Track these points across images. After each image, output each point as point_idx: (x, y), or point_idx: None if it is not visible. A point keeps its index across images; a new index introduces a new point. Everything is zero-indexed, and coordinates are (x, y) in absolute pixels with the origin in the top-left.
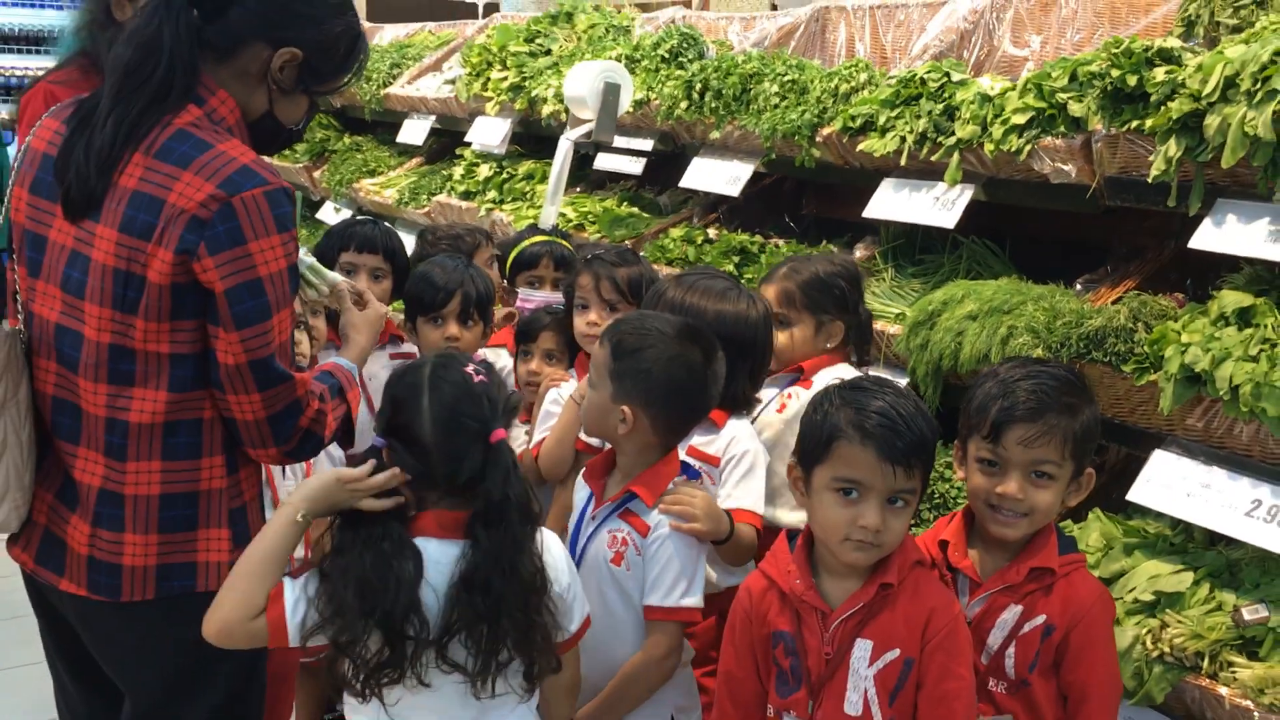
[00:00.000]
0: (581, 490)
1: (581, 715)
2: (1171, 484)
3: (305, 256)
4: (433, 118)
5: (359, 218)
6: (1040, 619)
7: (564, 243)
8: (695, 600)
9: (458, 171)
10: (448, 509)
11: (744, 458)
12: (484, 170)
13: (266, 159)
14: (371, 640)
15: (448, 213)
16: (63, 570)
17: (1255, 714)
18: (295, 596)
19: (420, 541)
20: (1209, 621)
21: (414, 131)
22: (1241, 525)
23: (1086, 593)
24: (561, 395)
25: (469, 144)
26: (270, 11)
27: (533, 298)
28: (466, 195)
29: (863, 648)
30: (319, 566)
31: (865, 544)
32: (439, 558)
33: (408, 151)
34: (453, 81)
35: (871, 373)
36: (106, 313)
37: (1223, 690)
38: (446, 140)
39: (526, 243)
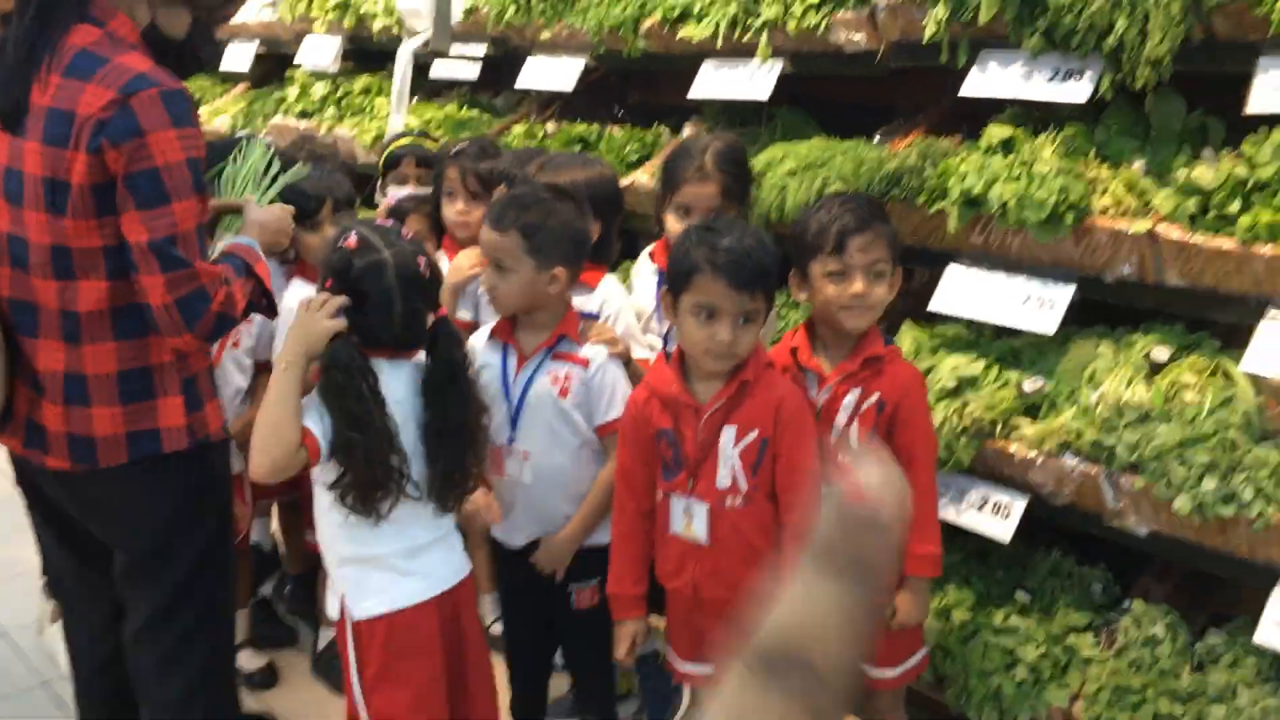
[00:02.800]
0: (493, 351)
1: (575, 524)
2: (963, 292)
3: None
4: (256, 41)
5: (239, 134)
6: (875, 396)
7: (426, 141)
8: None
9: (292, 92)
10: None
11: (618, 316)
12: (319, 89)
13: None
14: (365, 471)
15: (286, 134)
16: (47, 449)
17: (1038, 460)
18: (318, 424)
19: (378, 364)
20: (999, 395)
21: (238, 57)
22: (1018, 316)
23: (907, 373)
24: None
25: (298, 65)
26: None
27: (400, 194)
28: (304, 115)
29: (728, 433)
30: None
31: (721, 354)
32: (400, 375)
33: (232, 78)
34: (274, 4)
35: None
36: (42, 217)
37: (1013, 447)
38: (272, 64)
39: (393, 145)
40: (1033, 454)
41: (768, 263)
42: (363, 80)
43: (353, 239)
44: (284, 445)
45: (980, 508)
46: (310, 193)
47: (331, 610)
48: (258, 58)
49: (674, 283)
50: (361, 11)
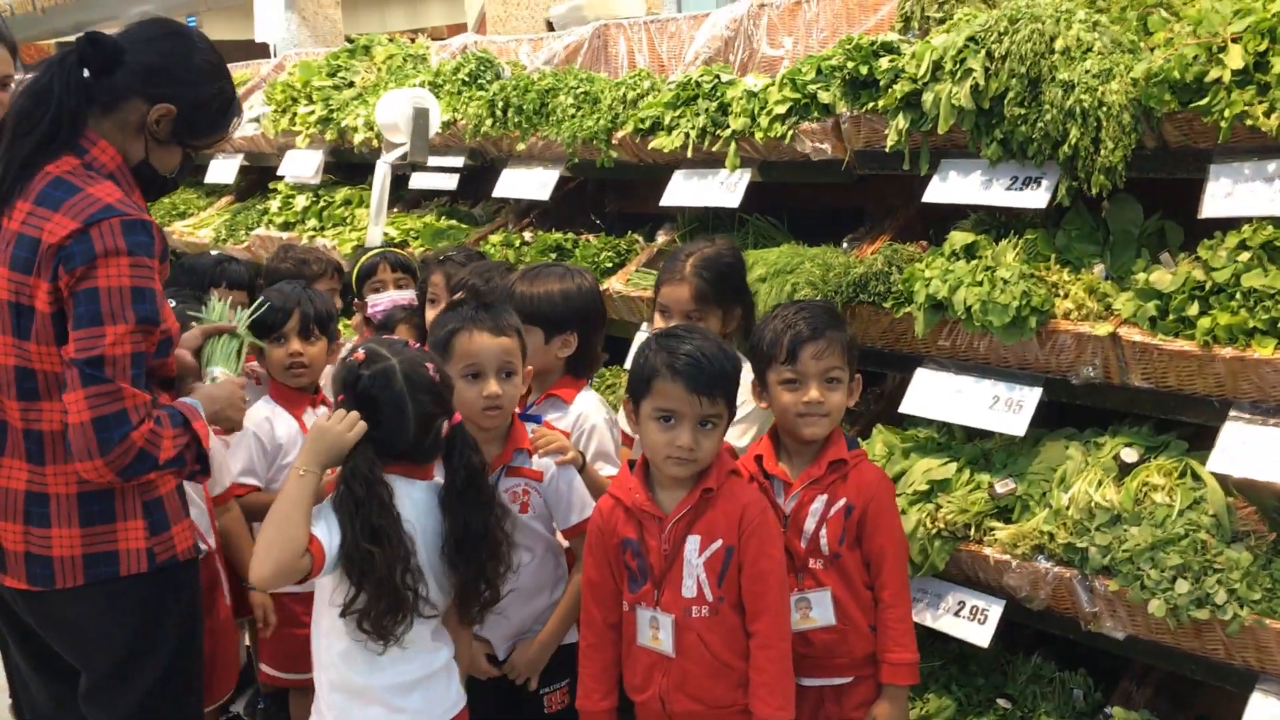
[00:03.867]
0: None
1: (551, 627)
2: (932, 395)
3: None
4: (240, 156)
5: (218, 254)
6: (842, 501)
7: (397, 250)
8: (591, 508)
9: (273, 204)
10: (408, 464)
11: (591, 432)
12: (301, 200)
13: (134, 203)
14: (380, 588)
15: (268, 245)
16: (5, 569)
17: (1013, 564)
18: (324, 533)
19: (396, 481)
20: (971, 498)
21: (222, 170)
22: (986, 417)
23: (872, 476)
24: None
25: (281, 177)
26: (149, 73)
27: (380, 301)
28: (286, 226)
29: (693, 542)
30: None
31: (683, 460)
32: (415, 494)
33: (216, 191)
34: (257, 119)
35: None
36: (8, 340)
37: (987, 550)
38: (254, 177)
39: (366, 256)
40: (1007, 557)
41: (728, 368)
42: (343, 192)
43: (360, 353)
44: (290, 550)
45: (957, 612)
46: (276, 304)
47: None
48: (242, 170)
49: (634, 389)
50: (343, 125)
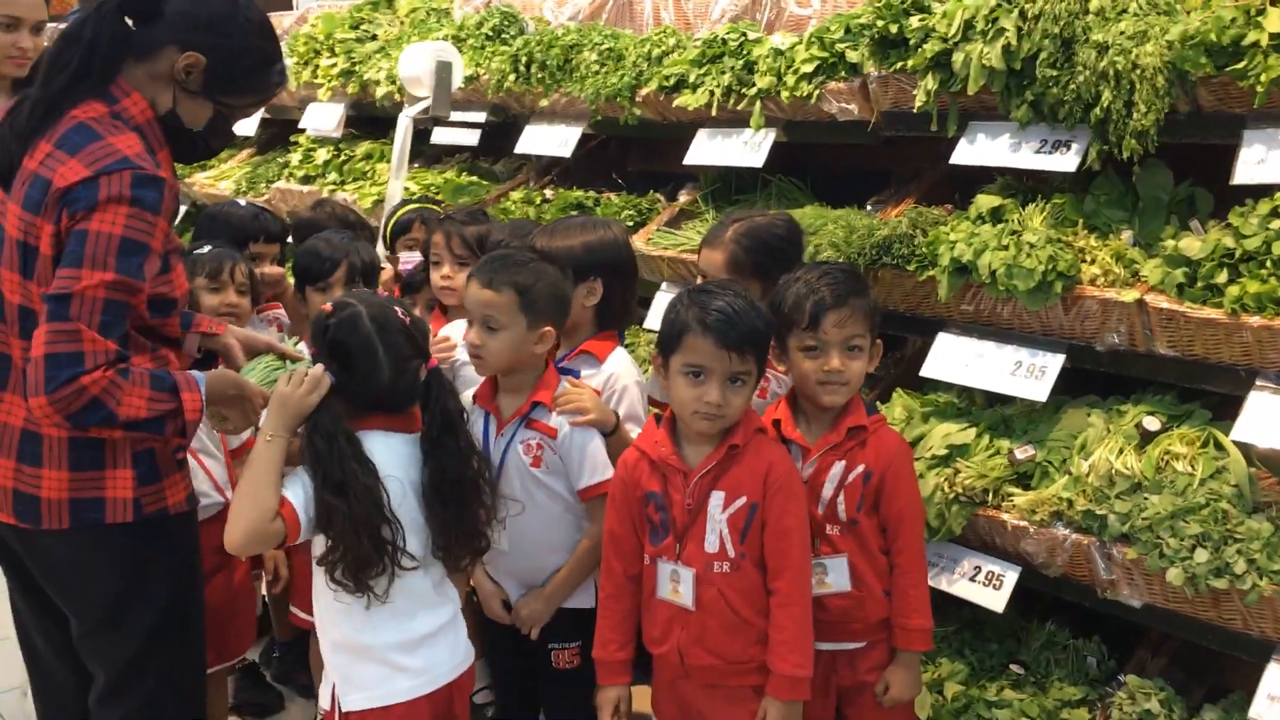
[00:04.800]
0: (475, 416)
1: (556, 582)
2: (953, 359)
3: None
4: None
5: (246, 205)
6: (860, 468)
7: (432, 207)
8: (609, 472)
9: (295, 157)
10: (388, 414)
11: (623, 394)
12: (322, 154)
13: (152, 160)
14: (348, 541)
15: (289, 198)
16: None
17: (1030, 529)
18: (299, 496)
19: (378, 435)
20: (990, 464)
21: (243, 123)
22: (1008, 383)
23: (891, 441)
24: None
25: (302, 130)
26: (186, 21)
27: (411, 259)
28: (306, 179)
29: (717, 498)
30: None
31: (711, 416)
32: (396, 445)
33: (237, 143)
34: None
35: None
36: (15, 278)
37: (1005, 516)
38: (276, 129)
39: (400, 212)
40: (1024, 523)
41: (758, 325)
42: (365, 146)
43: (327, 305)
44: (259, 513)
45: (972, 577)
46: (324, 254)
47: (323, 699)
48: (263, 122)
49: (664, 344)
50: (365, 79)
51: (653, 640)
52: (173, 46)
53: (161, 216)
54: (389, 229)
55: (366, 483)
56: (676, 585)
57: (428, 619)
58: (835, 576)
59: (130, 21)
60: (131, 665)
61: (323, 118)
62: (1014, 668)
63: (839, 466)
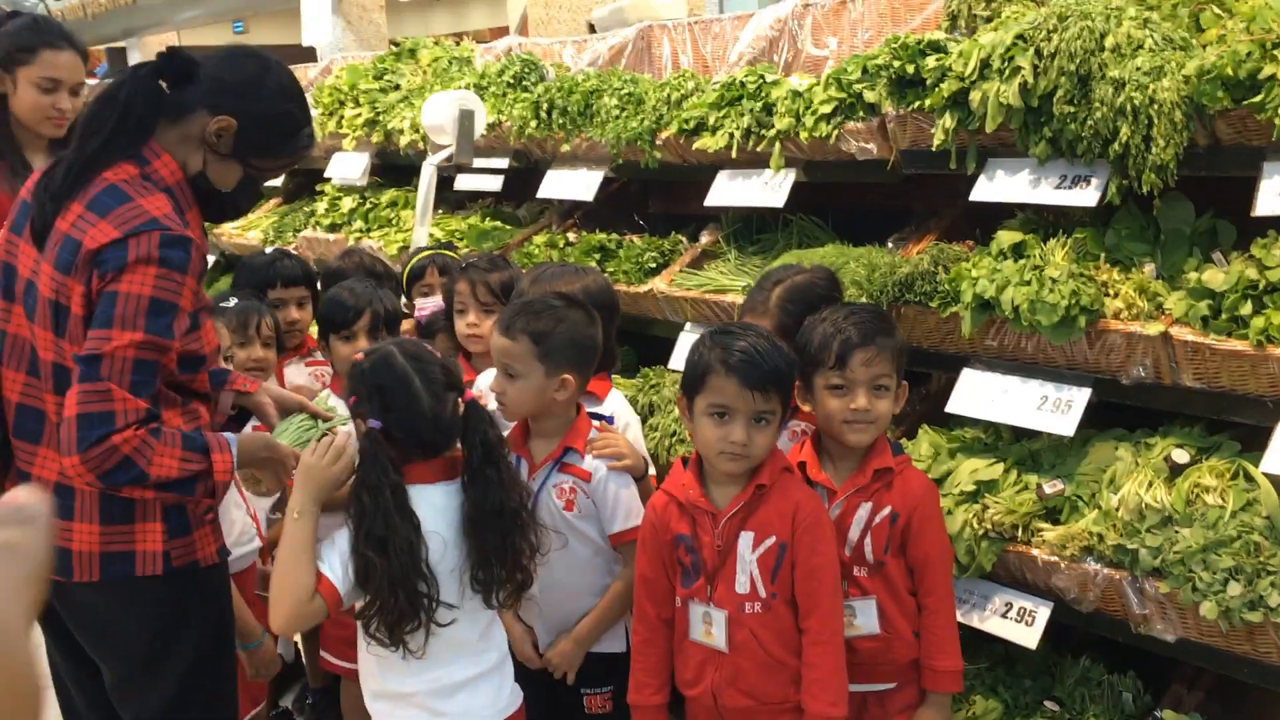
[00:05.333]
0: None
1: (587, 624)
2: (979, 395)
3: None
4: None
5: (270, 251)
6: (887, 509)
7: (448, 253)
8: (640, 519)
9: (321, 206)
10: (429, 458)
11: (626, 430)
12: (347, 202)
13: (179, 220)
14: (385, 596)
15: (315, 246)
16: None
17: (1061, 565)
18: (336, 569)
19: (419, 489)
20: (1019, 499)
21: None
22: (1035, 418)
23: (918, 483)
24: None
25: (328, 179)
26: (218, 86)
27: (426, 305)
28: (333, 228)
29: (746, 538)
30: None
31: (736, 456)
32: (437, 499)
33: (264, 194)
34: None
35: None
36: (49, 336)
37: (1035, 551)
38: (302, 179)
39: (415, 258)
40: (1055, 559)
41: (781, 365)
42: (389, 194)
43: (360, 354)
44: (297, 595)
45: (1004, 614)
46: (348, 304)
47: None
48: (289, 173)
49: (688, 385)
50: (389, 128)
51: (686, 683)
52: (204, 110)
53: (189, 275)
54: (405, 276)
55: (408, 537)
56: (709, 627)
57: (467, 665)
58: (864, 619)
59: (164, 84)
60: (164, 715)
61: (348, 166)
62: (1049, 705)
63: (865, 508)
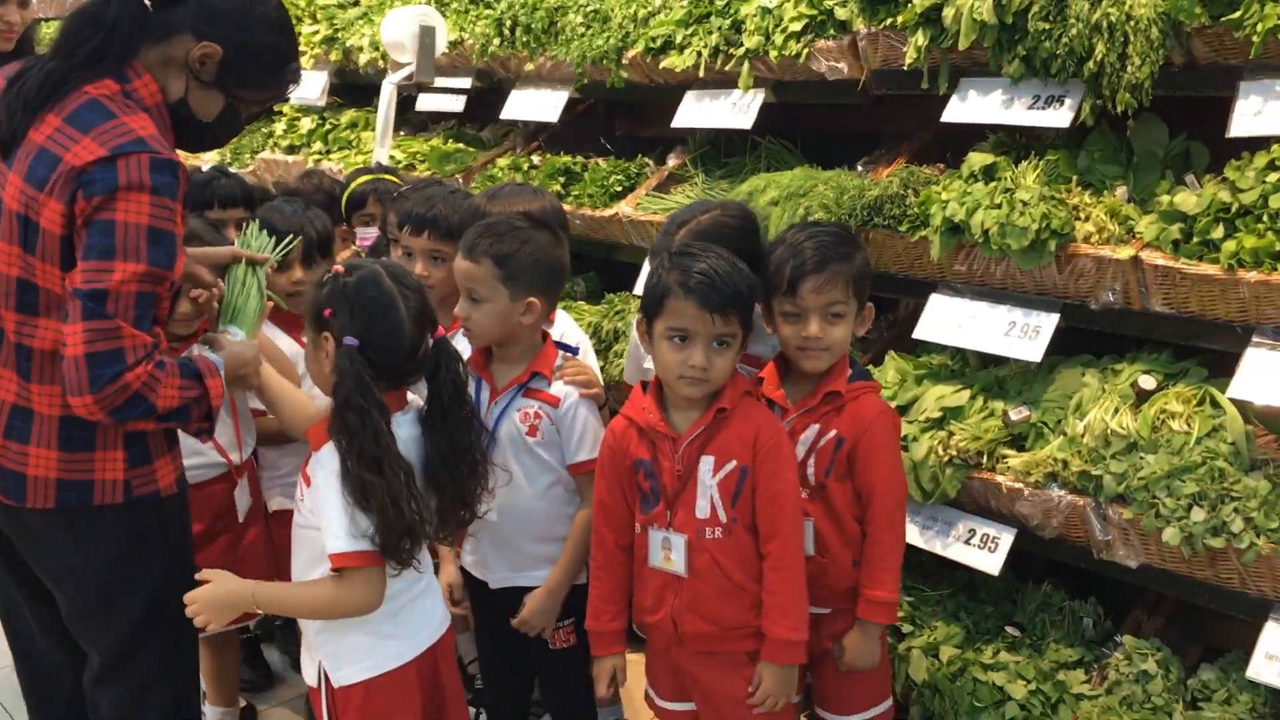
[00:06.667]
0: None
1: (559, 571)
2: (947, 320)
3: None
4: None
5: (206, 170)
6: (832, 433)
7: (389, 178)
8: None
9: (279, 127)
10: (395, 388)
11: (581, 346)
12: (306, 123)
13: (166, 143)
14: (388, 516)
15: (274, 169)
16: None
17: (1025, 491)
18: (345, 531)
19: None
20: (984, 426)
21: None
22: (1002, 344)
23: (870, 410)
24: None
25: (285, 99)
26: (205, 10)
27: (368, 235)
28: (291, 149)
29: (706, 463)
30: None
31: (696, 380)
32: (404, 429)
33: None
34: None
35: None
36: (15, 250)
37: (1000, 478)
38: None
39: (354, 185)
40: (1019, 485)
41: (742, 287)
42: (349, 114)
43: (338, 267)
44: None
45: (968, 540)
46: (279, 227)
47: (308, 676)
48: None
49: (647, 308)
50: (348, 45)
51: (645, 609)
52: (189, 34)
53: (178, 201)
54: (344, 202)
55: (399, 454)
56: (668, 553)
57: (402, 587)
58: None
59: (149, 3)
60: (126, 647)
61: (306, 86)
62: (1010, 630)
63: (812, 430)
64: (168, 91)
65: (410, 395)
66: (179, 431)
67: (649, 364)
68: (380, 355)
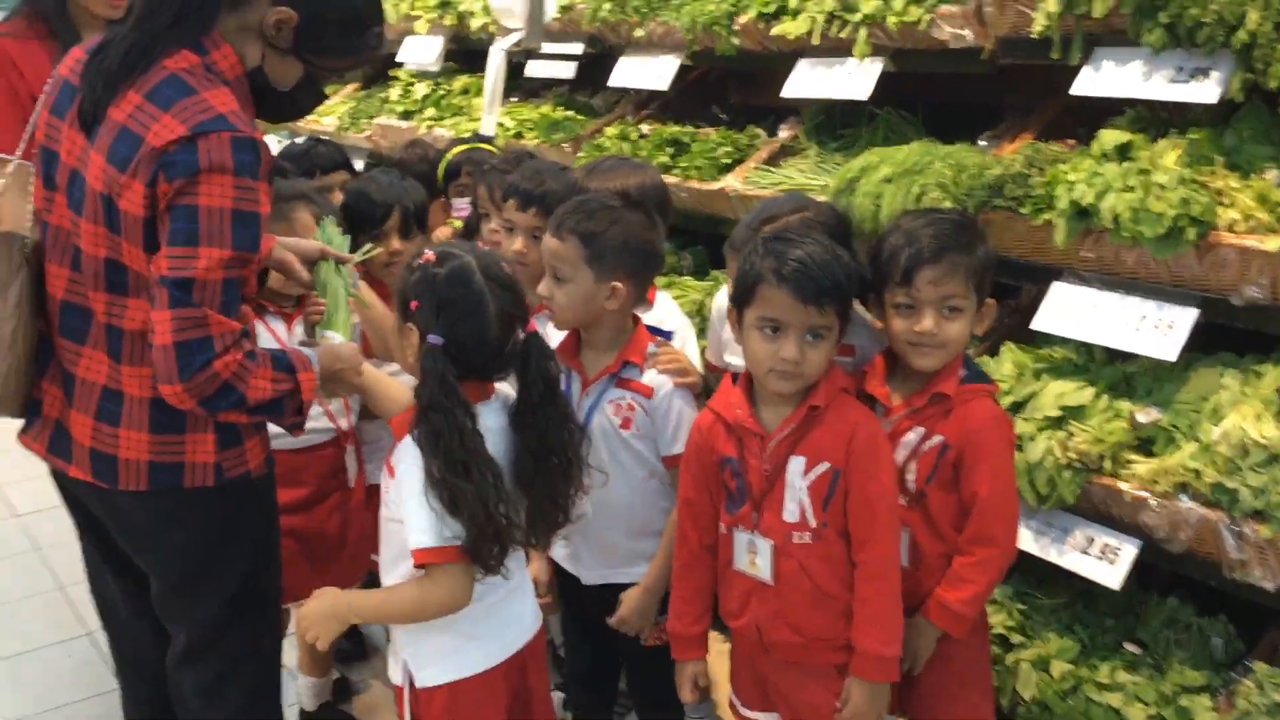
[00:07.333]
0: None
1: (655, 570)
2: (1070, 311)
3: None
4: None
5: (302, 140)
6: (938, 439)
7: (485, 147)
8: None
9: (394, 92)
10: (478, 381)
11: (678, 332)
12: (420, 89)
13: (246, 118)
14: (477, 522)
15: (389, 134)
16: (70, 459)
17: (1150, 501)
18: (428, 525)
19: None
20: (1108, 427)
21: None
22: (1132, 338)
23: (982, 416)
24: None
25: (401, 64)
26: None
27: (463, 205)
28: (405, 115)
29: (796, 463)
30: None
31: (787, 374)
32: (489, 421)
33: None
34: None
35: None
36: (101, 230)
37: (1123, 485)
38: (381, 63)
39: (449, 155)
40: (1145, 494)
41: (840, 277)
42: (462, 80)
43: (429, 253)
44: (443, 591)
45: (1085, 550)
46: (376, 199)
47: (394, 675)
48: None
49: (739, 296)
50: (461, 10)
51: (730, 613)
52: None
53: (260, 179)
54: (440, 174)
55: (487, 456)
56: (754, 557)
57: (494, 584)
58: None
59: None
60: (210, 629)
61: (421, 51)
62: (1130, 647)
63: (916, 433)
64: (245, 60)
65: (499, 385)
66: None
67: (728, 334)
68: (465, 353)
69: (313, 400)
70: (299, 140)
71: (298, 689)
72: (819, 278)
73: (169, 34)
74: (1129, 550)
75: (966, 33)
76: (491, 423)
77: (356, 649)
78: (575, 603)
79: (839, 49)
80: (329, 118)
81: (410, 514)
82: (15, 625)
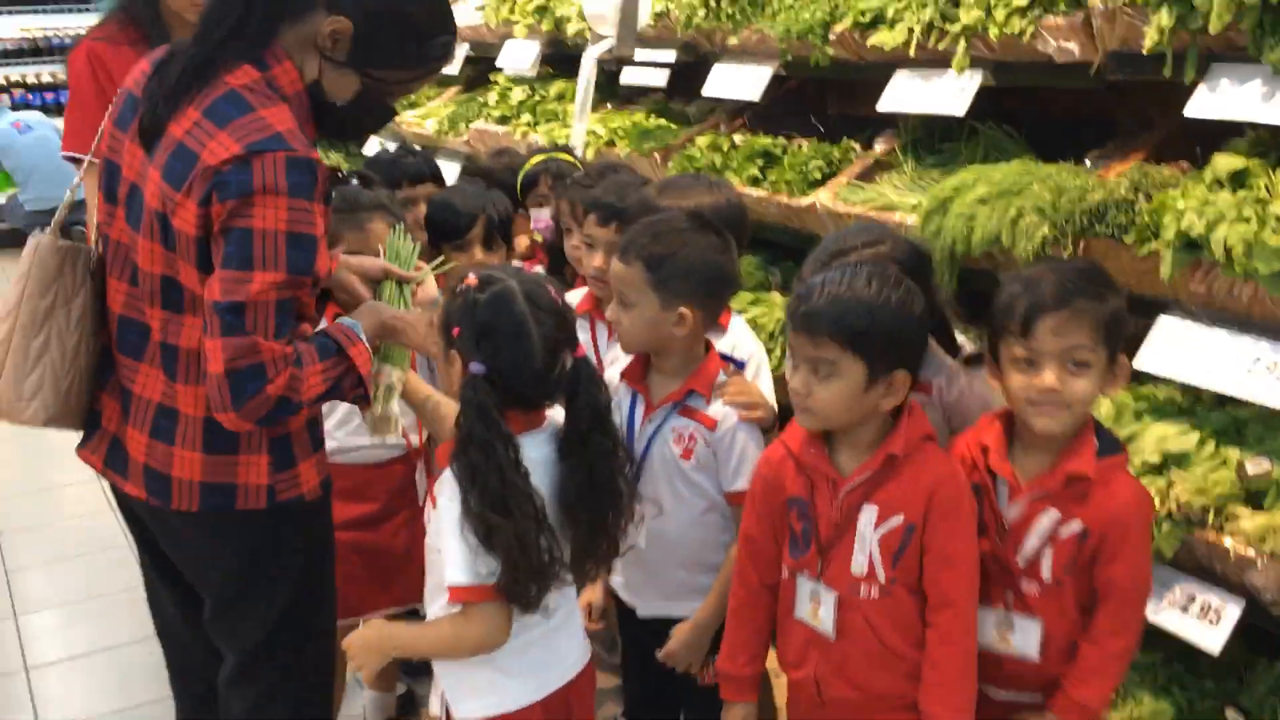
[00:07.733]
0: (621, 395)
1: (710, 605)
2: (1176, 349)
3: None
4: (466, 45)
5: (393, 150)
6: (1076, 525)
7: (565, 157)
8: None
9: (492, 97)
10: (523, 410)
11: (751, 360)
12: (517, 94)
13: (304, 137)
14: (514, 559)
15: (486, 139)
16: (126, 474)
17: (1258, 562)
18: (463, 562)
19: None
20: (1214, 477)
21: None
22: (1243, 383)
23: (1124, 497)
24: None
25: (501, 69)
26: None
27: (542, 217)
28: (502, 120)
29: (869, 513)
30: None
31: (798, 406)
32: (532, 452)
33: (445, 80)
34: (482, 7)
35: None
36: (157, 248)
37: (1228, 541)
38: (483, 66)
39: (527, 165)
40: (1251, 552)
41: (854, 318)
42: (557, 85)
43: (471, 277)
44: (477, 635)
45: (1184, 608)
46: (460, 209)
47: (433, 706)
48: (468, 60)
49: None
50: (558, 15)
51: (788, 663)
52: (322, 9)
53: (316, 200)
54: (519, 186)
55: (527, 492)
56: (817, 607)
57: (537, 619)
58: (1022, 640)
59: None
60: (260, 649)
61: (519, 56)
62: (1232, 714)
63: (1050, 516)
64: (304, 75)
65: (549, 414)
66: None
67: None
68: (508, 381)
69: (369, 370)
70: (390, 147)
71: (363, 703)
72: (824, 310)
73: (229, 47)
74: (1232, 611)
75: (1073, 46)
76: (537, 454)
77: (424, 664)
78: (632, 635)
79: (937, 61)
80: (430, 120)
81: (447, 548)
82: (102, 622)
